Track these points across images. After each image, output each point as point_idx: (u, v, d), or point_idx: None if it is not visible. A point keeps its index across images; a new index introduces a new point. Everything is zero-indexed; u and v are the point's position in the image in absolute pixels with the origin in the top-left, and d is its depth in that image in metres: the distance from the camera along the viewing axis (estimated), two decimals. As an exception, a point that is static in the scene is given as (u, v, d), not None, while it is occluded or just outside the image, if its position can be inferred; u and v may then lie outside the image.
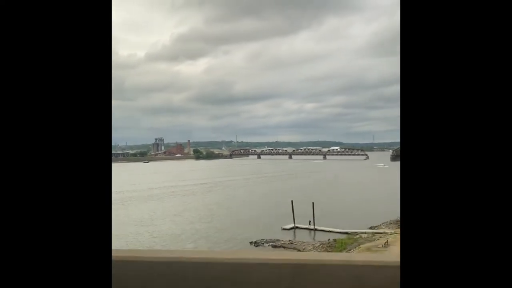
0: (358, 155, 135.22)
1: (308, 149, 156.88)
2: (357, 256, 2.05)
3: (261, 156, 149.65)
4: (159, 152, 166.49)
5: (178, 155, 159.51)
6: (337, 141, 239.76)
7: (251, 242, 29.38)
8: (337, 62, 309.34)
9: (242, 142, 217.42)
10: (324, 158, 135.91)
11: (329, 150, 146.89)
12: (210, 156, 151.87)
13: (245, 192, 53.96)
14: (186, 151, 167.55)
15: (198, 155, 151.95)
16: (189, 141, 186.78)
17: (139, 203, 45.23)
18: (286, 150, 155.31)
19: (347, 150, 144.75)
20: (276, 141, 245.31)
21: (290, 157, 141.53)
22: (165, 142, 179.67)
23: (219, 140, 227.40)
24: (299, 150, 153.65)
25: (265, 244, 29.26)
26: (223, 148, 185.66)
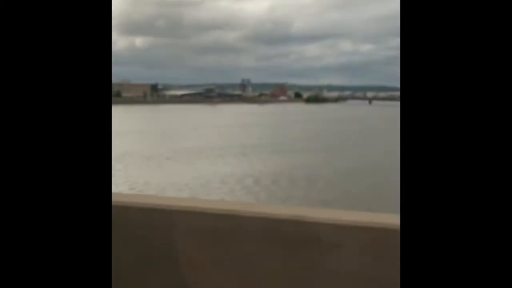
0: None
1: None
2: (359, 215, 1.84)
3: (372, 101, 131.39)
4: (246, 93, 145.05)
5: (282, 97, 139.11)
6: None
7: None
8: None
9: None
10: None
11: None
12: (317, 100, 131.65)
13: None
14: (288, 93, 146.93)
15: (308, 98, 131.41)
16: (286, 83, 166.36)
17: None
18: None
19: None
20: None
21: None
22: (252, 82, 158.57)
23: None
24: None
25: None
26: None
